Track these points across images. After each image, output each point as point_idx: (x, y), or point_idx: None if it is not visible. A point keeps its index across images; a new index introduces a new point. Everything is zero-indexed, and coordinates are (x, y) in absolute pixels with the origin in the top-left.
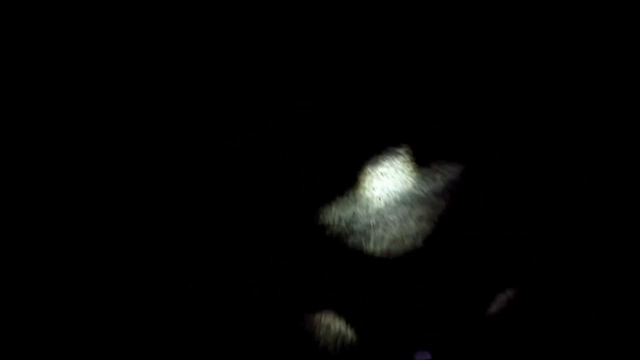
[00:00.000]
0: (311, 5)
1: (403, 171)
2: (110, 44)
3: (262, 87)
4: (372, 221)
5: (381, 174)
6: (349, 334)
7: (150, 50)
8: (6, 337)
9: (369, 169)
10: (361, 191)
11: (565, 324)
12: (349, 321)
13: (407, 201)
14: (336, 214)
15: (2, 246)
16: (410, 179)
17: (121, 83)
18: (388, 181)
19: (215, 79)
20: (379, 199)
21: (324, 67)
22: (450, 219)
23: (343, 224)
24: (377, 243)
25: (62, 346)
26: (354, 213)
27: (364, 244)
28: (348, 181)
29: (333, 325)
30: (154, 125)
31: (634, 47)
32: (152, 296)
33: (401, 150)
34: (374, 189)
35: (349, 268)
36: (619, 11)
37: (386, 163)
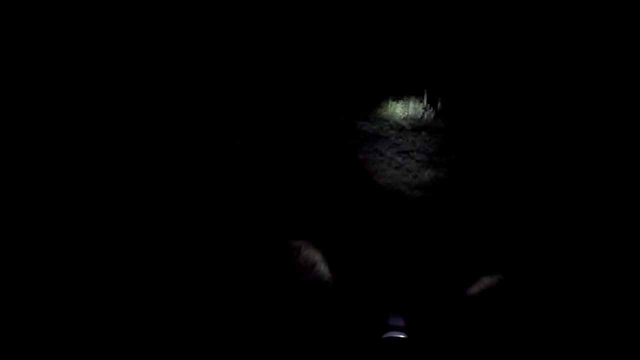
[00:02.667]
0: (311, 7)
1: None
2: (112, 45)
3: (262, 87)
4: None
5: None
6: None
7: (152, 51)
8: (6, 337)
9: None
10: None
11: (565, 324)
12: (349, 320)
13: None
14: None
15: (3, 245)
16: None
17: (122, 84)
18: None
19: (216, 79)
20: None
21: (324, 67)
22: (450, 218)
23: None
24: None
25: (62, 346)
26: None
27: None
28: (345, 181)
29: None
30: (154, 126)
31: (634, 47)
32: (153, 296)
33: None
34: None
35: (348, 267)
36: (618, 11)
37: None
